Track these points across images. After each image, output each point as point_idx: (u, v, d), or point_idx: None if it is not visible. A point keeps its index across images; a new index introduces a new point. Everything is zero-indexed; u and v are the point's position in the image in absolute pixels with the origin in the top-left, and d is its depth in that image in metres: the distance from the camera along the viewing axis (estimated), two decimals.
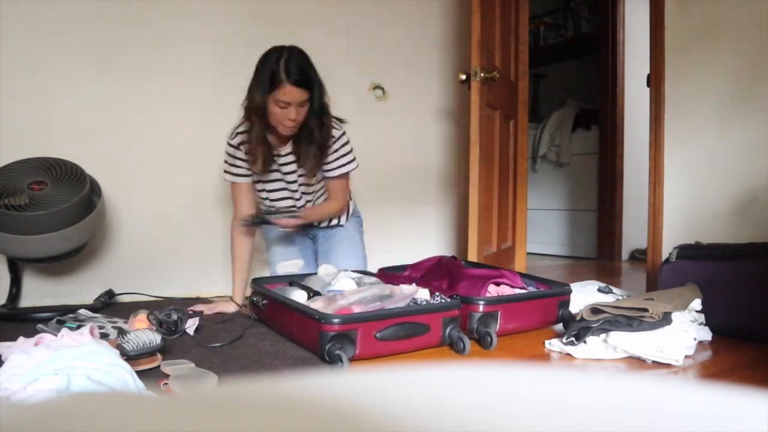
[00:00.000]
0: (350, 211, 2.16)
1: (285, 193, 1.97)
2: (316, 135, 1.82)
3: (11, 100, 1.93)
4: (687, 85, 2.11)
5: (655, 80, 2.18)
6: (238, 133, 1.87)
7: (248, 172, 1.90)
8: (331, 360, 1.25)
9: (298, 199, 1.99)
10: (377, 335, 1.30)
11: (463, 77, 2.14)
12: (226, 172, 1.90)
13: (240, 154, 1.87)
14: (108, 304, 1.95)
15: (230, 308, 1.87)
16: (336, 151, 1.92)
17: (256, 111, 1.76)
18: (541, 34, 4.06)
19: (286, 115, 1.73)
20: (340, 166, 1.94)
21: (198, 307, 1.85)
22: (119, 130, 2.13)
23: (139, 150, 2.16)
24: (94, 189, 1.87)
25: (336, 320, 1.26)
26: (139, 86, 2.15)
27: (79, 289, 2.04)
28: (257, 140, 1.81)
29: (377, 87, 2.71)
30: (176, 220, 2.24)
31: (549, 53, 4.04)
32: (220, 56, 2.31)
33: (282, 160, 1.92)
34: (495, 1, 2.32)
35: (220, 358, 1.36)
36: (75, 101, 2.04)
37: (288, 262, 2.02)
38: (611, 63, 3.57)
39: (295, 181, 1.96)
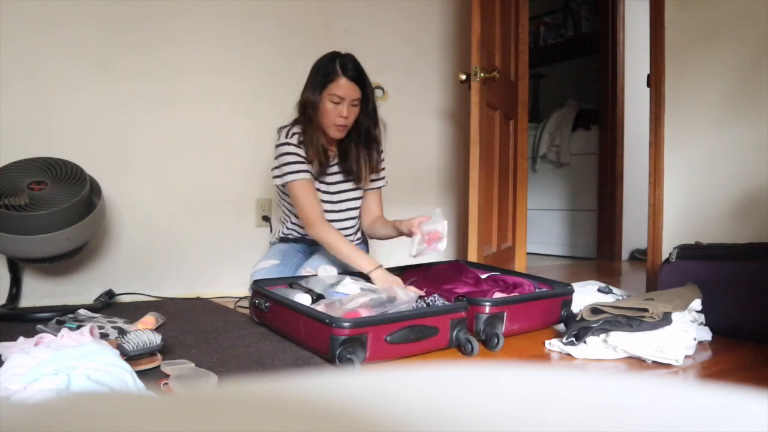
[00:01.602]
0: (361, 237, 2.11)
1: (326, 211, 1.93)
2: (371, 134, 1.86)
3: (11, 100, 1.93)
4: (687, 85, 2.11)
5: (655, 80, 2.18)
6: (294, 133, 1.84)
7: (309, 167, 1.85)
8: (343, 364, 1.24)
9: (341, 220, 1.97)
10: (387, 338, 1.30)
11: (464, 77, 2.14)
12: (291, 173, 1.81)
13: (302, 152, 1.83)
14: (108, 304, 1.95)
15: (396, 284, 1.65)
16: (382, 161, 1.97)
17: (309, 108, 1.78)
18: (541, 34, 4.06)
19: (339, 111, 1.76)
20: (382, 178, 2.01)
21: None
22: (119, 130, 2.13)
23: (139, 150, 2.16)
24: (94, 189, 1.87)
25: (347, 324, 1.25)
26: (139, 86, 2.15)
27: (79, 289, 2.04)
28: (314, 141, 1.81)
29: (377, 87, 2.71)
30: (176, 220, 2.24)
31: (549, 53, 4.04)
32: (220, 56, 2.31)
33: (329, 171, 1.91)
34: (495, 1, 2.32)
35: (220, 358, 1.36)
36: (75, 101, 2.04)
37: (264, 262, 1.95)
38: (611, 63, 3.57)
39: (336, 195, 1.94)
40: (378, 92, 2.71)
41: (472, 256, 2.08)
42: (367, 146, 1.89)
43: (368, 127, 1.86)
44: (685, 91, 2.11)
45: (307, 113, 1.81)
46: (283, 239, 2.05)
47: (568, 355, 1.43)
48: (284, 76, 2.47)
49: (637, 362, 1.38)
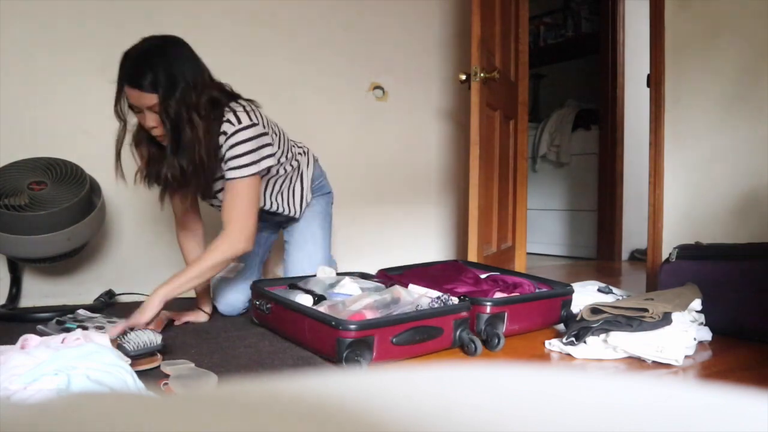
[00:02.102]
0: (303, 197, 1.90)
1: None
2: (170, 159, 1.50)
3: (11, 100, 1.93)
4: (687, 85, 2.11)
5: (655, 80, 2.18)
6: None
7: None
8: (350, 366, 1.24)
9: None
10: (393, 340, 1.30)
11: (463, 77, 2.14)
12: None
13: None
14: (108, 304, 1.95)
15: (201, 318, 1.74)
16: (229, 150, 1.55)
17: (119, 117, 1.53)
18: (541, 34, 4.06)
19: (143, 120, 1.48)
20: (229, 168, 1.56)
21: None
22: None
23: None
24: (94, 189, 1.87)
25: (353, 326, 1.25)
26: None
27: (79, 289, 2.04)
28: (138, 134, 1.59)
29: (377, 87, 2.71)
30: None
31: (549, 53, 4.04)
32: (219, 57, 2.31)
33: None
34: (495, 1, 2.33)
35: (220, 358, 1.36)
36: (75, 101, 2.04)
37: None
38: (611, 63, 3.57)
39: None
40: (378, 92, 2.72)
41: (472, 256, 2.08)
42: (185, 159, 1.51)
43: (173, 138, 1.48)
44: (685, 91, 2.11)
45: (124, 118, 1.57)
46: None
47: (568, 355, 1.43)
48: (283, 76, 2.47)
49: (637, 362, 1.38)
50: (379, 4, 2.70)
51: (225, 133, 1.54)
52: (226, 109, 1.57)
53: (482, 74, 2.07)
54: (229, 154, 1.55)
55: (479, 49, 2.07)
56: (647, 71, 2.24)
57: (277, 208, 1.84)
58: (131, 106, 1.48)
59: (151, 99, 1.44)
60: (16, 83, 1.94)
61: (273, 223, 2.00)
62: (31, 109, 1.97)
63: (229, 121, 1.55)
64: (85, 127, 2.06)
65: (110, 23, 2.08)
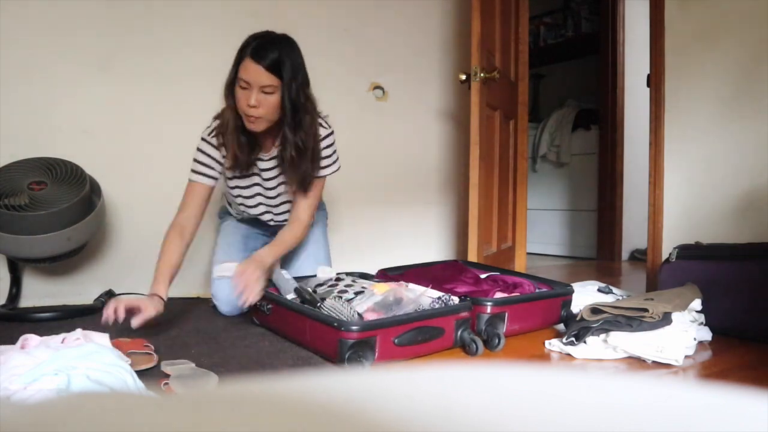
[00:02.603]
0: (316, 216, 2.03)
1: (262, 206, 1.86)
2: (289, 136, 1.61)
3: (11, 100, 1.93)
4: (687, 85, 2.11)
5: (655, 80, 2.18)
6: (213, 129, 1.68)
7: (214, 173, 1.69)
8: (352, 367, 1.24)
9: (277, 214, 1.89)
10: (395, 341, 1.30)
11: (464, 77, 2.14)
12: (192, 171, 1.68)
13: (213, 151, 1.68)
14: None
15: (152, 309, 1.49)
16: (323, 149, 1.74)
17: (225, 95, 1.60)
18: (541, 34, 4.06)
19: (246, 98, 1.53)
20: (322, 167, 1.76)
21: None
22: (119, 130, 2.13)
23: (139, 150, 2.16)
24: (94, 189, 1.87)
25: (355, 327, 1.25)
26: (140, 86, 2.15)
27: (79, 289, 2.04)
28: (232, 128, 1.61)
29: (377, 87, 2.71)
30: None
31: (549, 53, 4.04)
32: (219, 57, 2.30)
33: (263, 165, 1.76)
34: (495, 1, 2.33)
35: (220, 358, 1.36)
36: (75, 101, 2.04)
37: (225, 265, 1.83)
38: (611, 63, 3.57)
39: (274, 190, 1.81)
40: (378, 92, 2.72)
41: (472, 256, 2.08)
42: (294, 144, 1.64)
43: (291, 121, 1.60)
44: (685, 91, 2.11)
45: (226, 100, 1.62)
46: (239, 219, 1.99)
47: (568, 355, 1.43)
48: None
49: (637, 362, 1.38)
50: (380, 4, 2.70)
51: (320, 134, 1.71)
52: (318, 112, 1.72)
53: (482, 74, 2.07)
54: (322, 153, 1.74)
55: (479, 49, 2.07)
56: (647, 71, 2.24)
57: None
58: (240, 83, 1.54)
59: (270, 79, 1.52)
60: (17, 83, 1.94)
61: (264, 229, 2.02)
62: (31, 109, 1.97)
63: (321, 124, 1.72)
64: (85, 127, 2.06)
65: (111, 24, 2.08)
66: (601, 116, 3.64)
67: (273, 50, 1.53)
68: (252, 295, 1.50)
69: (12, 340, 1.46)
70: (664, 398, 0.18)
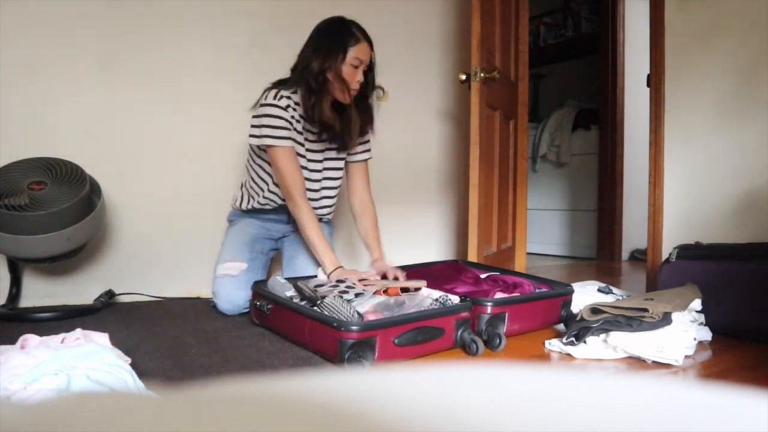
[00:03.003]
0: (329, 219, 2.11)
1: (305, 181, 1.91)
2: (367, 107, 1.86)
3: (11, 100, 1.93)
4: (687, 85, 2.11)
5: (655, 80, 2.18)
6: (284, 96, 1.78)
7: (292, 135, 1.81)
8: (351, 367, 1.24)
9: (316, 190, 1.94)
10: (395, 341, 1.30)
11: (464, 77, 2.14)
12: (273, 137, 1.76)
13: (287, 116, 1.78)
14: (108, 304, 1.95)
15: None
16: (368, 133, 1.96)
17: (323, 72, 1.75)
18: (541, 34, 4.06)
19: (356, 75, 1.75)
20: (367, 150, 2.00)
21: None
22: (119, 130, 2.12)
23: (139, 150, 2.16)
24: (94, 189, 1.87)
25: (355, 327, 1.25)
26: (140, 86, 2.15)
27: (79, 289, 2.04)
28: (323, 107, 1.77)
29: (377, 87, 2.71)
30: (176, 219, 2.24)
31: (549, 53, 4.04)
32: (220, 56, 2.31)
33: (314, 138, 1.88)
34: (495, 1, 2.32)
35: (220, 358, 1.36)
36: (75, 101, 2.04)
37: (230, 264, 1.88)
38: (611, 63, 3.57)
39: (318, 163, 1.92)
40: (378, 92, 2.71)
41: (472, 256, 2.08)
42: (367, 111, 1.89)
43: (367, 94, 1.86)
44: (685, 91, 2.11)
45: (316, 78, 1.75)
46: (257, 210, 1.98)
47: (568, 355, 1.43)
48: (284, 75, 2.46)
49: (637, 362, 1.38)
50: (380, 4, 2.69)
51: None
52: None
53: (482, 74, 2.07)
54: (367, 137, 1.98)
55: (479, 49, 2.07)
56: (647, 71, 2.24)
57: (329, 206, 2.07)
58: (353, 62, 1.74)
59: (372, 57, 1.81)
60: (17, 83, 1.94)
61: (273, 233, 2.03)
62: (31, 109, 1.97)
63: None
64: (85, 127, 2.06)
65: (110, 24, 2.08)
66: (601, 116, 3.64)
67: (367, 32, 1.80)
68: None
69: (12, 340, 1.46)
70: (664, 398, 0.18)
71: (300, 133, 1.85)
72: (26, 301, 1.96)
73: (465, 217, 2.70)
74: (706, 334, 1.57)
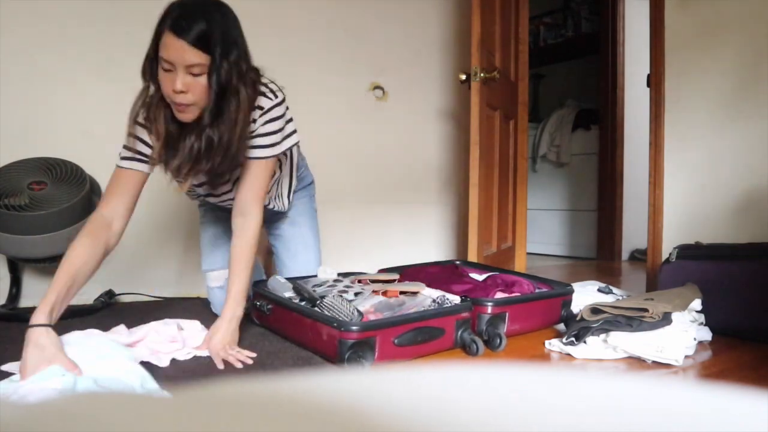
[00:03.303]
0: (291, 188, 1.78)
1: (208, 187, 1.56)
2: (204, 125, 1.29)
3: (11, 100, 1.93)
4: (687, 85, 2.11)
5: (655, 80, 2.18)
6: (139, 107, 1.40)
7: (144, 158, 1.40)
8: (351, 368, 1.24)
9: (229, 191, 1.58)
10: (395, 341, 1.30)
11: (464, 77, 2.14)
12: (120, 155, 1.40)
13: (140, 132, 1.40)
14: (108, 304, 1.95)
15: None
16: (263, 125, 1.43)
17: (144, 74, 1.34)
18: (541, 34, 4.06)
19: (171, 82, 1.24)
20: (256, 147, 1.43)
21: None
22: (119, 130, 2.11)
23: None
24: (94, 189, 1.87)
25: (355, 328, 1.25)
26: (140, 86, 2.15)
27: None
28: (156, 116, 1.35)
29: (377, 87, 2.71)
30: (176, 219, 2.23)
31: (549, 53, 4.04)
32: None
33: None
34: (495, 1, 2.33)
35: None
36: (75, 101, 2.04)
37: (214, 274, 1.78)
38: (611, 63, 3.57)
39: (223, 195, 1.61)
40: (378, 92, 2.72)
41: (472, 256, 2.08)
42: (220, 139, 1.32)
43: (215, 109, 1.29)
44: (685, 91, 2.11)
45: (146, 79, 1.35)
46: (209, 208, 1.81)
47: (568, 355, 1.43)
48: (283, 77, 2.46)
49: (637, 362, 1.38)
50: (380, 4, 2.70)
51: (261, 108, 1.41)
52: (264, 81, 1.43)
53: (482, 74, 2.07)
54: (261, 131, 1.42)
55: (479, 49, 2.07)
56: (647, 71, 2.24)
57: (267, 202, 1.66)
58: (162, 64, 1.24)
59: (197, 56, 1.22)
60: (17, 83, 1.94)
61: None
62: (31, 109, 1.97)
63: (265, 94, 1.41)
64: (85, 127, 2.06)
65: (110, 23, 2.08)
66: (601, 116, 3.64)
67: (199, 20, 1.21)
68: (239, 358, 1.32)
69: (12, 340, 1.47)
70: (664, 398, 0.18)
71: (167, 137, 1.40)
72: (26, 301, 1.96)
73: (465, 217, 2.70)
74: (706, 334, 1.57)
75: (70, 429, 0.15)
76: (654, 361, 1.36)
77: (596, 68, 3.69)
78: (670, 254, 1.83)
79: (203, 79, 1.25)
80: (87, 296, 2.01)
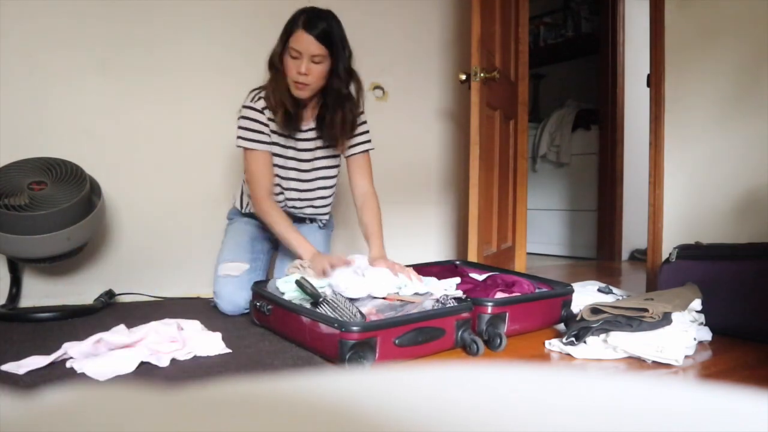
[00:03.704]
0: (328, 219, 2.11)
1: (294, 181, 1.90)
2: (342, 95, 1.76)
3: (11, 100, 1.93)
4: (687, 85, 2.11)
5: (655, 80, 2.18)
6: (260, 97, 1.78)
7: (267, 139, 1.79)
8: (352, 368, 1.24)
9: (309, 190, 1.93)
10: (396, 341, 1.29)
11: (463, 77, 2.14)
12: (243, 138, 1.77)
13: (263, 118, 1.77)
14: (108, 304, 1.95)
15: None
16: (361, 125, 1.89)
17: (275, 61, 1.73)
18: (541, 34, 4.06)
19: (297, 66, 1.67)
20: (364, 142, 1.91)
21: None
22: (119, 130, 2.13)
23: (139, 150, 2.16)
24: (94, 189, 1.87)
25: (356, 328, 1.24)
26: (140, 86, 2.15)
27: (79, 289, 2.04)
28: (278, 96, 1.72)
29: (377, 87, 2.71)
30: (176, 219, 2.24)
31: (549, 53, 4.04)
32: (220, 55, 2.31)
33: (301, 136, 1.85)
34: (495, 1, 2.33)
35: (220, 357, 1.36)
36: (75, 101, 2.04)
37: (232, 264, 1.87)
38: (611, 63, 3.57)
39: (309, 168, 1.89)
40: (378, 92, 2.72)
41: (472, 256, 2.08)
42: (341, 107, 1.78)
43: (339, 88, 1.75)
44: (685, 91, 2.11)
45: (274, 67, 1.75)
46: (249, 215, 2.00)
47: (568, 355, 1.43)
48: None
49: (637, 362, 1.38)
50: (380, 4, 2.70)
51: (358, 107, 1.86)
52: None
53: (482, 74, 2.07)
54: (362, 128, 1.90)
55: (479, 49, 2.07)
56: (647, 71, 2.24)
57: (325, 203, 2.05)
58: (291, 52, 1.67)
59: (319, 48, 1.67)
60: (17, 83, 1.94)
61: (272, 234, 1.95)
62: (31, 109, 1.97)
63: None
64: (85, 127, 2.06)
65: (110, 23, 2.08)
66: (601, 116, 3.64)
67: (322, 22, 1.68)
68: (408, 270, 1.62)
69: (12, 340, 1.47)
70: (664, 398, 0.18)
71: (282, 135, 1.83)
72: (26, 301, 1.96)
73: (465, 217, 2.70)
74: (706, 334, 1.56)
75: (70, 429, 0.15)
76: (654, 361, 1.36)
77: (596, 68, 3.69)
78: (670, 254, 1.82)
79: (321, 67, 1.70)
80: (87, 296, 2.01)
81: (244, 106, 1.80)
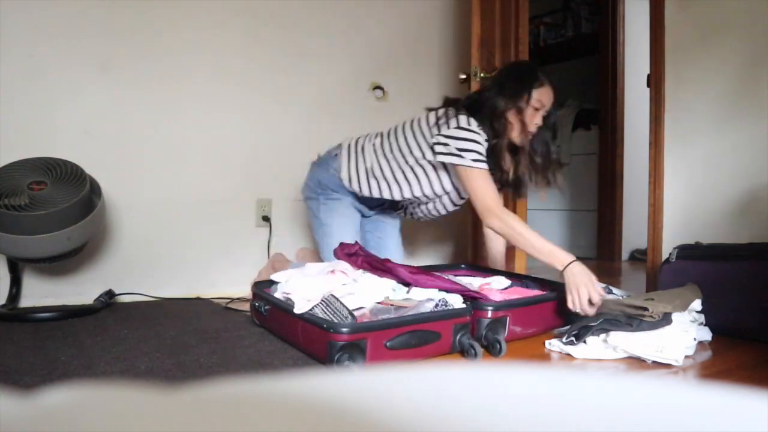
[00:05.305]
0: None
1: (438, 203, 2.00)
2: (547, 148, 1.87)
3: (12, 100, 1.93)
4: (687, 85, 2.11)
5: (655, 80, 2.18)
6: (480, 126, 1.81)
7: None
8: (341, 370, 1.23)
9: (446, 212, 2.04)
10: (387, 344, 1.27)
11: (464, 77, 2.15)
12: (477, 160, 1.77)
13: (480, 137, 1.80)
14: (108, 304, 1.95)
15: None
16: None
17: (503, 114, 1.78)
18: (541, 34, 4.06)
19: (535, 118, 1.79)
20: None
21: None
22: (119, 130, 2.13)
23: (140, 150, 2.16)
24: (94, 189, 1.87)
25: (345, 329, 1.23)
26: (140, 87, 2.15)
27: (79, 289, 2.04)
28: (504, 152, 1.82)
29: (377, 87, 2.71)
30: (176, 220, 2.24)
31: (549, 53, 4.04)
32: (219, 57, 2.31)
33: None
34: (495, 1, 2.33)
35: (220, 358, 1.36)
36: (75, 101, 2.04)
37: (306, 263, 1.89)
38: (611, 63, 3.57)
39: (448, 196, 1.97)
40: (378, 92, 2.72)
41: (472, 257, 2.08)
42: (547, 156, 1.88)
43: (546, 140, 1.88)
44: (685, 91, 2.11)
45: (499, 119, 1.79)
46: (367, 198, 2.05)
47: (568, 355, 1.43)
48: (283, 77, 2.47)
49: (637, 362, 1.38)
50: (380, 4, 2.70)
51: None
52: None
53: (482, 74, 2.07)
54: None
55: (479, 49, 2.07)
56: (647, 71, 2.24)
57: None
58: (535, 104, 1.78)
59: (552, 102, 1.84)
60: (17, 83, 1.94)
61: (365, 211, 2.17)
62: (31, 109, 1.97)
63: None
64: (86, 128, 2.06)
65: (111, 24, 2.08)
66: (601, 116, 3.64)
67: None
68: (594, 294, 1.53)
69: (12, 341, 1.47)
70: (664, 398, 0.18)
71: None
72: (26, 301, 1.96)
73: (465, 218, 2.70)
74: (706, 334, 1.56)
75: (70, 429, 0.15)
76: (654, 361, 1.36)
77: (596, 68, 3.69)
78: (670, 254, 1.82)
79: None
80: (87, 296, 2.01)
81: (470, 130, 1.80)
